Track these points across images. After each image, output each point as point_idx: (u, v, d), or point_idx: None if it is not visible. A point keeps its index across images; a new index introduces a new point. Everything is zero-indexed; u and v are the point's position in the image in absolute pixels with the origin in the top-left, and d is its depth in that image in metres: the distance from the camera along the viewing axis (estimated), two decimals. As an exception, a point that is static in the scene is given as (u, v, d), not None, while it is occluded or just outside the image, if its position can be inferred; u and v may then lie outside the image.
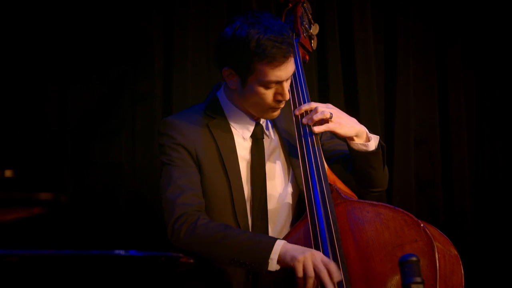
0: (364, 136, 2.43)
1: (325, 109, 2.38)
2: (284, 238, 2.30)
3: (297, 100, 2.44)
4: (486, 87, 3.54)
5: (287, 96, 2.35)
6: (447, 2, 3.47)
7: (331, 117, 2.37)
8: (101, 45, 3.04)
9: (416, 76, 3.45)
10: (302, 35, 2.55)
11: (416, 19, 3.44)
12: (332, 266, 2.15)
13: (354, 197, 2.41)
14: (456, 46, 3.49)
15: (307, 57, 2.62)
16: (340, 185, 2.40)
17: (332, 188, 2.32)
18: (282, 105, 2.39)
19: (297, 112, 2.41)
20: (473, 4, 3.49)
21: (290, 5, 2.61)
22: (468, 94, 3.51)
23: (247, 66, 2.29)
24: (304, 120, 2.39)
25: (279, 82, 2.32)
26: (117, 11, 3.05)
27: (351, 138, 2.42)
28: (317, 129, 2.36)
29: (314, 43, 2.61)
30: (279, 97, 2.35)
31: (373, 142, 2.43)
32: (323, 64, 3.31)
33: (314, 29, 2.60)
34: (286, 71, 2.31)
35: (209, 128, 2.43)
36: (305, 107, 2.41)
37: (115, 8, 3.05)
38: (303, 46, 2.57)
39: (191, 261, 1.71)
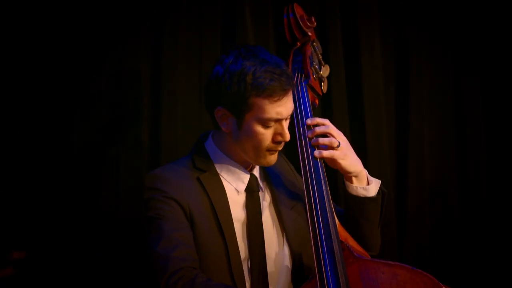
0: (364, 179, 2.40)
1: (335, 133, 2.36)
2: None
3: (305, 151, 2.37)
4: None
5: (287, 136, 2.30)
6: (464, 35, 3.45)
7: (338, 146, 2.34)
8: (82, 86, 2.99)
9: (430, 120, 3.41)
10: (311, 77, 2.50)
11: (430, 58, 3.42)
12: None
13: (366, 256, 2.34)
14: (475, 86, 3.46)
15: (317, 101, 2.57)
16: (352, 242, 2.33)
17: (343, 246, 2.24)
18: (280, 147, 2.34)
19: (309, 122, 2.37)
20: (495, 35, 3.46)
21: (299, 44, 2.56)
22: (490, 136, 3.47)
23: (244, 103, 2.24)
24: (309, 134, 2.35)
25: (279, 120, 2.27)
26: (99, 47, 3.00)
27: (350, 179, 2.38)
28: (318, 154, 2.33)
29: (324, 86, 2.56)
30: (279, 138, 2.30)
31: (374, 187, 2.40)
32: (328, 105, 3.27)
33: (325, 71, 2.55)
34: (286, 107, 2.26)
35: (201, 182, 2.35)
36: (319, 120, 2.38)
37: (97, 43, 3.00)
38: (313, 89, 2.52)
39: None
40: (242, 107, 2.26)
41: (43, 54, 2.95)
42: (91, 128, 3.01)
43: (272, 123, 2.28)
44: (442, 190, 3.43)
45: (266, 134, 2.29)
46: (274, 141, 2.31)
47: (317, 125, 2.39)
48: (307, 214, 2.27)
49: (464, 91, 3.43)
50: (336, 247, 2.21)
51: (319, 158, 2.34)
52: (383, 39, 3.34)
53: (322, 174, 2.33)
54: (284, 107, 2.26)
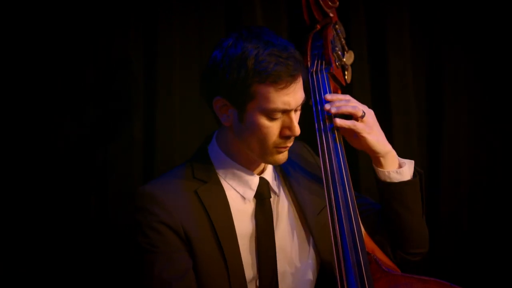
0: (395, 161, 2.34)
1: (359, 105, 2.30)
2: None
3: (326, 149, 2.29)
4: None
5: (297, 130, 2.20)
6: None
7: (362, 116, 2.29)
8: (66, 79, 2.92)
9: (468, 115, 3.35)
10: (334, 64, 2.43)
11: (467, 41, 3.35)
12: None
13: (396, 270, 2.28)
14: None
15: (340, 92, 2.48)
16: (380, 255, 2.28)
17: (370, 258, 2.19)
18: (290, 144, 2.24)
19: (328, 97, 2.32)
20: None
21: (318, 27, 2.50)
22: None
23: (245, 91, 2.15)
24: (327, 106, 2.30)
25: (287, 111, 2.17)
26: (88, 34, 2.93)
27: (378, 161, 2.33)
28: (339, 122, 2.27)
29: (348, 76, 2.51)
30: (287, 132, 2.20)
31: (407, 169, 2.33)
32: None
33: (349, 58, 2.50)
34: (294, 95, 2.16)
35: (199, 196, 2.27)
36: (340, 96, 2.32)
37: (81, 30, 2.92)
38: (335, 79, 2.45)
39: None
40: (243, 96, 2.16)
41: (23, 45, 2.88)
42: (78, 125, 2.95)
43: (279, 115, 2.18)
44: (482, 194, 3.38)
45: (272, 128, 2.19)
46: (282, 135, 2.20)
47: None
48: (328, 219, 2.22)
49: (508, 82, 3.34)
50: (362, 260, 2.15)
51: (337, 131, 2.30)
52: (411, 20, 3.28)
53: (346, 176, 2.26)
54: (292, 96, 2.16)
